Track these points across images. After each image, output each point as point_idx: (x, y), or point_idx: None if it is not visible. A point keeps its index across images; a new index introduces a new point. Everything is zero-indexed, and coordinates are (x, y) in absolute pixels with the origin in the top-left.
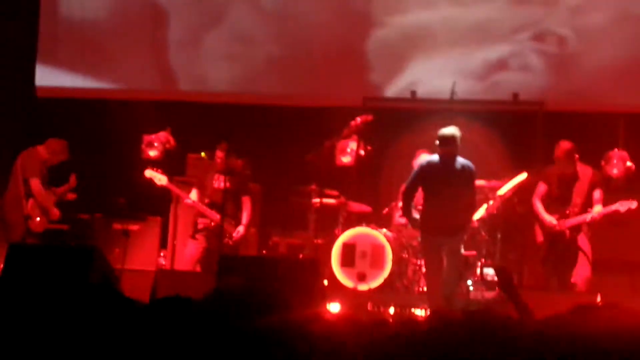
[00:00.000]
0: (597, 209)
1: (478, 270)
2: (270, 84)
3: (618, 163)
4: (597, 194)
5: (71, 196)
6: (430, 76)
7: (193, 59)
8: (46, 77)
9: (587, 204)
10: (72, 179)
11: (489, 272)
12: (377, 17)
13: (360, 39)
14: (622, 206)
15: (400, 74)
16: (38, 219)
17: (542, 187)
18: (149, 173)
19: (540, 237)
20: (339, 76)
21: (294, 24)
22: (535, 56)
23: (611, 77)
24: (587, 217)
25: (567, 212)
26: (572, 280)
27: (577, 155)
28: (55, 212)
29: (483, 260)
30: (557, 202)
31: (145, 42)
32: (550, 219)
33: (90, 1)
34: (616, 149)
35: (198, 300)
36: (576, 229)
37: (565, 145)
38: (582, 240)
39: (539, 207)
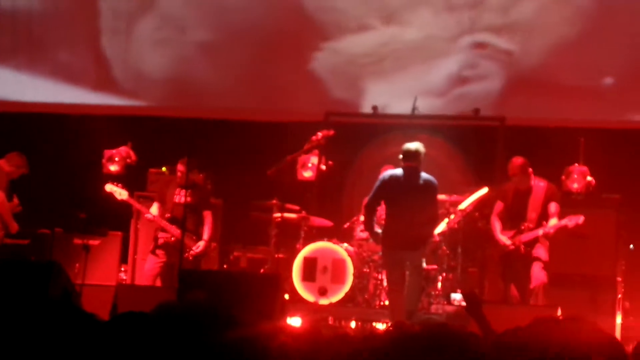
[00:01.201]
0: (552, 223)
1: (439, 285)
2: (231, 98)
3: (578, 178)
4: (552, 207)
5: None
6: (390, 97)
7: (125, 47)
8: None
9: (543, 218)
10: (15, 203)
11: (456, 297)
12: (317, 42)
13: (311, 60)
14: (570, 221)
15: (360, 94)
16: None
17: (499, 205)
18: (109, 187)
19: (496, 256)
20: (300, 91)
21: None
22: (487, 63)
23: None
24: (540, 231)
25: (522, 227)
26: (531, 286)
27: (530, 170)
28: (15, 226)
29: (444, 274)
30: (514, 217)
31: (78, 32)
32: (504, 239)
33: None
34: (576, 164)
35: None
36: (531, 242)
37: (517, 160)
38: (538, 250)
39: (495, 226)
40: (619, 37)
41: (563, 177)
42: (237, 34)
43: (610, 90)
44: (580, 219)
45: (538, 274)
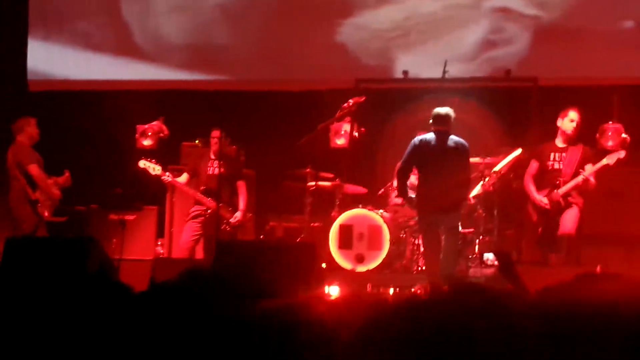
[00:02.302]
0: (588, 169)
1: (476, 248)
2: (261, 69)
3: (613, 135)
4: (588, 167)
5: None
6: (419, 66)
7: (145, 11)
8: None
9: (577, 176)
10: (67, 176)
11: (489, 256)
12: (339, 19)
13: (336, 33)
14: (610, 159)
15: (389, 63)
16: (44, 204)
17: (533, 165)
18: (142, 163)
19: (534, 216)
20: (330, 59)
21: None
22: (512, 25)
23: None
24: (579, 178)
25: (558, 182)
26: (559, 232)
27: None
28: (57, 192)
29: (481, 237)
30: (549, 177)
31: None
32: (540, 198)
33: None
34: (610, 122)
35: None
36: (569, 200)
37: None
38: (573, 209)
39: (531, 186)
40: None
41: (597, 135)
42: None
43: (632, 33)
44: (622, 153)
45: (566, 223)
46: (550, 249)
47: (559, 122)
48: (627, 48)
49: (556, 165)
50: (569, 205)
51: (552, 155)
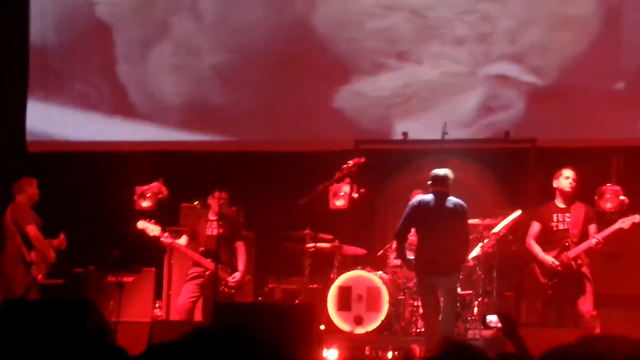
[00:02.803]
0: (593, 230)
1: (475, 310)
2: (259, 130)
3: (612, 197)
4: (592, 228)
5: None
6: (418, 131)
7: (141, 73)
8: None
9: (584, 236)
10: (62, 238)
11: (492, 319)
12: (337, 86)
13: (335, 99)
14: (624, 223)
15: (388, 126)
16: (39, 266)
17: (535, 226)
18: (141, 224)
19: (542, 279)
20: (329, 121)
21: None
22: (509, 91)
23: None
24: (592, 241)
25: (567, 243)
26: (580, 308)
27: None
28: (52, 255)
29: (480, 299)
30: (554, 238)
31: (94, 62)
32: (550, 259)
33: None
34: (609, 184)
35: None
36: (580, 260)
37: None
38: (586, 271)
39: (536, 248)
40: (625, 43)
41: (596, 197)
42: (254, 60)
43: (622, 94)
44: (637, 217)
45: (589, 298)
46: (564, 311)
47: (555, 183)
48: (620, 109)
49: (561, 226)
50: (580, 266)
51: (554, 216)
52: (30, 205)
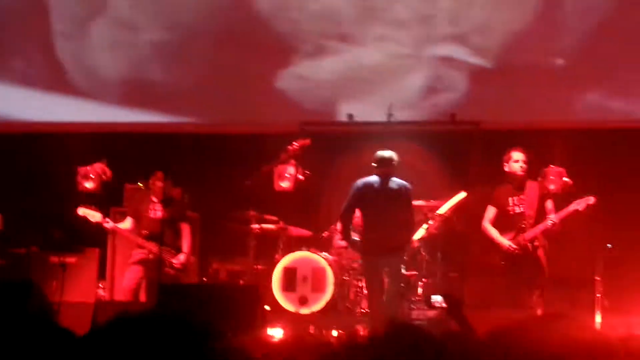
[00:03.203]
0: (550, 209)
1: (420, 291)
2: (205, 111)
3: (555, 179)
4: (549, 203)
5: None
6: (364, 113)
7: (80, 50)
8: None
9: (541, 215)
10: None
11: (437, 299)
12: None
13: (278, 80)
14: (579, 205)
15: (333, 108)
16: None
17: (491, 210)
18: (82, 211)
19: (499, 260)
20: (272, 103)
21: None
22: (453, 73)
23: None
24: (548, 222)
25: (523, 225)
26: (535, 299)
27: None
28: None
29: (424, 279)
30: (512, 219)
31: (31, 38)
32: (507, 242)
33: None
34: (552, 166)
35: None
36: (537, 242)
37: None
38: (541, 253)
39: (492, 231)
40: (565, 20)
41: (539, 178)
42: (195, 38)
43: (562, 70)
44: (591, 199)
45: (539, 267)
46: (519, 292)
47: (506, 167)
48: (561, 88)
49: (517, 210)
50: (535, 248)
51: (510, 200)
52: None
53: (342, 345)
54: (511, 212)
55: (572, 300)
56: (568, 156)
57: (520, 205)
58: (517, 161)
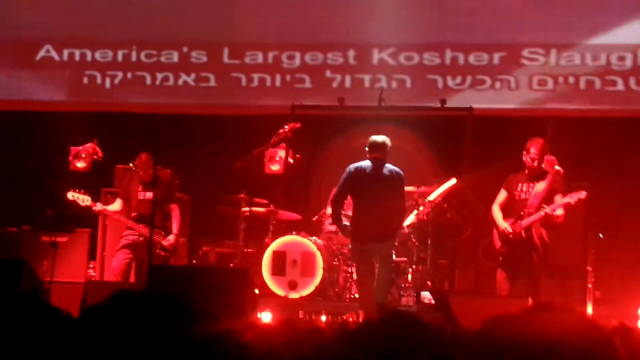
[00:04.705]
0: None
1: (409, 277)
2: (197, 93)
3: (547, 167)
4: (558, 198)
5: None
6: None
7: None
8: None
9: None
10: None
11: (426, 295)
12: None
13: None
14: (571, 198)
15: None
16: None
17: (503, 194)
18: (71, 195)
19: (497, 244)
20: (266, 84)
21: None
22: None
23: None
24: (541, 213)
25: (523, 213)
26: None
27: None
28: None
29: (414, 266)
30: (515, 205)
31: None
32: (503, 225)
33: None
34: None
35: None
36: (531, 231)
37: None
38: (537, 241)
39: (496, 213)
40: None
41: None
42: None
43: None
44: (582, 194)
45: (535, 279)
46: (512, 277)
47: (523, 157)
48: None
49: (523, 196)
50: (530, 237)
51: (520, 185)
52: None
53: (333, 331)
54: (517, 198)
55: (564, 290)
56: (561, 143)
57: (527, 193)
58: (528, 154)
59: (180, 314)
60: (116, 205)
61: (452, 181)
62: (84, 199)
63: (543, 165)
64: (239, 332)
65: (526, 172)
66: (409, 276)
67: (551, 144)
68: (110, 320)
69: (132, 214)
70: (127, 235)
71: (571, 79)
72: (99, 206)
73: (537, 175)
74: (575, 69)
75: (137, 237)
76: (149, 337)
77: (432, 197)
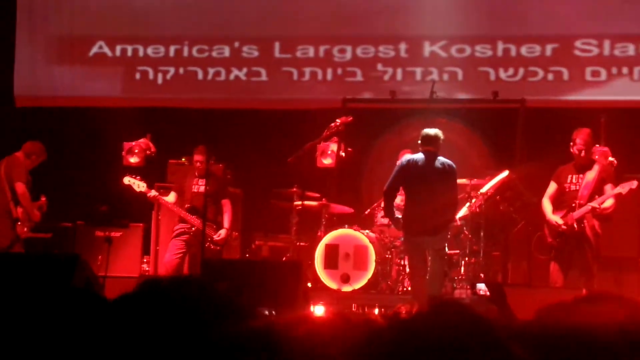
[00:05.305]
0: (601, 198)
1: (462, 270)
2: (249, 88)
3: (600, 158)
4: (608, 188)
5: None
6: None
7: None
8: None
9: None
10: (43, 201)
11: (481, 286)
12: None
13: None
14: (623, 189)
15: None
16: (24, 223)
17: (553, 186)
18: (127, 180)
19: (549, 237)
20: (318, 78)
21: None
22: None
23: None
24: (593, 203)
25: (574, 205)
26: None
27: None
28: (37, 214)
29: (467, 258)
30: (566, 196)
31: None
32: (555, 219)
33: None
34: (597, 145)
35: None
36: (583, 223)
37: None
38: (589, 233)
39: (547, 207)
40: None
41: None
42: None
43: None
44: (634, 183)
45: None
46: (565, 270)
47: (571, 148)
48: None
49: (573, 187)
50: (582, 229)
51: (569, 177)
52: (25, 166)
53: (387, 322)
54: (567, 190)
55: (618, 283)
56: (615, 135)
57: (577, 184)
58: (574, 144)
59: (216, 307)
60: (170, 197)
61: (505, 173)
62: (139, 185)
63: (595, 156)
64: (292, 325)
65: (574, 163)
66: (462, 269)
67: (604, 135)
68: (137, 308)
69: (186, 206)
70: (179, 227)
71: (625, 70)
72: (153, 193)
73: (585, 165)
74: (629, 59)
75: (188, 227)
76: (178, 330)
77: (484, 189)
